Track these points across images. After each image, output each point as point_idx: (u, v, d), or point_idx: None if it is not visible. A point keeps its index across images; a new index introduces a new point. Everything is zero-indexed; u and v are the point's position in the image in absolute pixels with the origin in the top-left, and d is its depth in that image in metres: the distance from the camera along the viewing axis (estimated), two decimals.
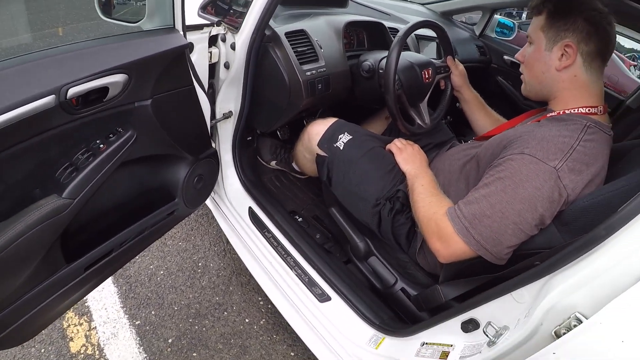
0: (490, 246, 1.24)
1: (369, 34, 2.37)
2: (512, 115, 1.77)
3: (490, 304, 1.19)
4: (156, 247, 2.46)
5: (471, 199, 1.30)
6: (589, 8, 1.37)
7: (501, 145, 1.38)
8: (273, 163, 2.30)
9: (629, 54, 9.81)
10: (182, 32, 1.45)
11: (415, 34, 2.53)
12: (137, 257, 2.35)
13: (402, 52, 1.90)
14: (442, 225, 1.32)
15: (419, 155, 1.77)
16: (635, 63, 9.65)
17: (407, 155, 1.76)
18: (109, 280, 2.22)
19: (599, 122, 1.35)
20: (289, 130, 2.35)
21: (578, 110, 1.39)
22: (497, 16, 3.63)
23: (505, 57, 3.42)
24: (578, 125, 1.31)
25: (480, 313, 1.23)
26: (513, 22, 3.63)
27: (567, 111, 1.40)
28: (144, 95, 1.37)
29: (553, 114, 1.44)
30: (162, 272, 2.32)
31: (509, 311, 1.15)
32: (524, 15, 8.22)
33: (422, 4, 3.67)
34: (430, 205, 1.44)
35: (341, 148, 1.79)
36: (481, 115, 2.08)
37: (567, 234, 1.19)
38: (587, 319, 0.91)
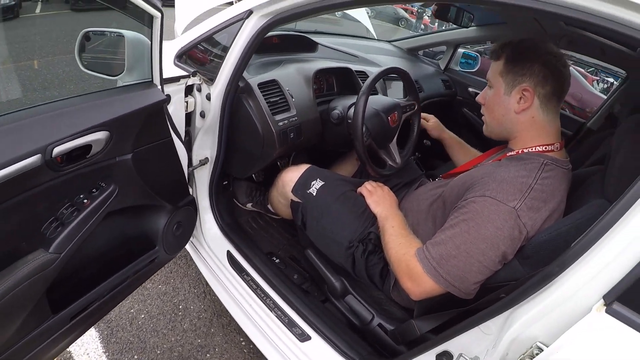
0: (458, 283, 1.32)
1: (338, 79, 2.48)
2: (478, 144, 1.88)
3: (461, 337, 1.27)
4: (137, 291, 2.43)
5: (438, 240, 1.39)
6: (545, 52, 1.46)
7: (465, 187, 1.47)
8: (249, 205, 2.37)
9: (590, 69, 10.08)
10: (159, 86, 1.52)
11: None
12: None
13: (370, 98, 2.01)
14: (412, 265, 1.40)
15: (388, 197, 1.85)
16: (598, 78, 9.92)
17: (377, 197, 1.83)
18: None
19: (556, 159, 1.44)
20: (264, 173, 2.42)
21: (535, 149, 1.48)
22: (460, 50, 3.81)
23: (470, 89, 3.59)
24: (535, 164, 1.40)
25: (452, 345, 1.30)
26: (476, 54, 3.81)
27: (525, 150, 1.49)
28: (125, 150, 1.44)
29: (512, 153, 1.52)
30: (143, 316, 2.34)
31: (478, 342, 1.24)
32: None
33: (390, 42, 3.84)
34: (400, 247, 1.51)
35: (314, 194, 1.87)
36: (461, 154, 2.21)
37: (529, 267, 1.28)
38: (547, 347, 1.01)
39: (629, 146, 1.38)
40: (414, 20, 19.33)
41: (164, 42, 2.00)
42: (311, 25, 3.59)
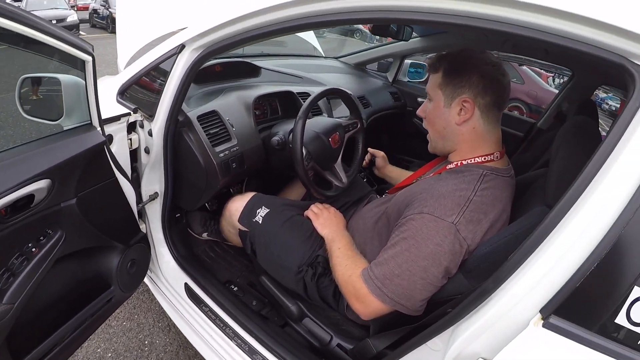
0: (404, 301, 1.34)
1: (281, 102, 2.54)
2: (430, 155, 1.85)
3: (412, 354, 1.31)
4: (102, 329, 2.49)
5: (381, 259, 1.40)
6: (483, 63, 1.46)
7: (405, 204, 1.49)
8: (205, 235, 2.40)
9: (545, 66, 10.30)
10: (99, 128, 1.55)
11: None
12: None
13: (311, 120, 2.06)
14: (358, 287, 1.42)
15: (335, 218, 1.86)
16: (553, 74, 10.13)
17: (323, 220, 1.85)
18: None
19: (496, 168, 1.46)
20: (217, 202, 2.45)
21: (474, 160, 1.50)
22: (407, 61, 3.90)
23: (419, 99, 3.70)
24: (474, 176, 1.42)
25: None
26: (424, 63, 3.94)
27: (464, 162, 1.51)
28: (69, 195, 1.46)
29: (452, 165, 1.54)
30: (109, 355, 2.35)
31: (428, 359, 1.28)
32: None
33: (337, 59, 3.91)
34: (347, 268, 1.53)
35: (260, 222, 1.90)
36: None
37: (473, 280, 1.30)
38: None
39: (565, 150, 1.43)
40: (367, 31, 19.56)
41: (108, 78, 2.05)
42: (258, 48, 3.62)
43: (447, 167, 1.56)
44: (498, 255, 1.21)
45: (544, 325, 0.96)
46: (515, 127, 3.33)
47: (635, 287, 0.90)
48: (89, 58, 1.40)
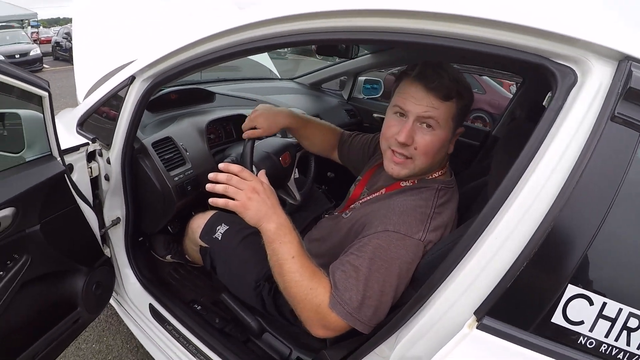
0: (374, 321, 1.32)
1: (235, 125, 2.68)
2: None
3: None
4: (71, 352, 2.57)
5: (348, 284, 1.31)
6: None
7: (361, 223, 1.48)
8: (168, 257, 2.49)
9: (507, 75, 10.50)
10: (59, 158, 1.65)
11: None
12: None
13: (262, 141, 2.20)
14: (328, 318, 1.32)
15: (268, 200, 1.46)
16: (513, 82, 10.31)
17: (257, 206, 1.42)
18: None
19: (447, 181, 1.53)
20: (180, 223, 2.54)
21: (431, 176, 1.54)
22: (361, 78, 4.02)
23: (375, 115, 3.80)
24: (431, 191, 1.46)
25: None
26: (378, 79, 4.06)
27: (419, 178, 1.54)
28: (33, 222, 1.57)
29: (406, 183, 1.55)
30: None
31: None
32: None
33: (292, 80, 4.06)
34: (313, 296, 1.34)
35: (219, 239, 1.96)
36: (310, 135, 2.18)
37: (420, 288, 1.23)
38: None
39: (502, 156, 1.54)
40: None
41: (69, 111, 2.14)
42: (214, 74, 3.77)
43: (402, 185, 1.56)
44: (440, 263, 1.17)
45: (478, 327, 0.99)
46: (472, 137, 3.40)
47: (570, 285, 0.93)
48: (45, 94, 1.51)
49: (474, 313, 1.02)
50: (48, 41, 22.37)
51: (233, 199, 1.41)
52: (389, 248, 1.32)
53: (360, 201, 1.70)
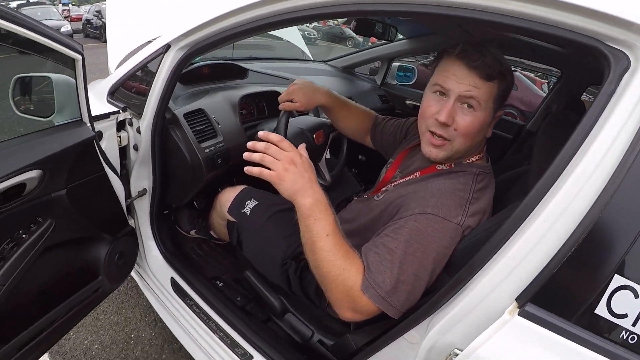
0: (405, 307, 1.26)
1: (268, 102, 2.64)
2: None
3: (390, 347, 1.31)
4: (89, 322, 2.58)
5: (381, 267, 1.24)
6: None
7: (396, 205, 1.42)
8: (192, 232, 2.48)
9: (539, 74, 10.35)
10: (89, 124, 1.64)
11: None
12: (71, 332, 2.47)
13: (296, 118, 2.16)
14: (359, 301, 1.25)
15: (306, 173, 1.35)
16: (547, 80, 10.13)
17: (292, 178, 1.33)
18: (46, 357, 2.33)
19: (484, 166, 1.47)
20: (205, 200, 2.53)
21: (469, 160, 1.47)
22: (395, 63, 3.94)
23: (407, 101, 3.74)
24: (469, 176, 1.40)
25: (382, 357, 1.35)
26: (412, 66, 3.95)
27: (456, 162, 1.48)
28: (59, 186, 1.55)
29: (443, 166, 1.49)
30: (96, 346, 2.43)
31: (406, 352, 1.27)
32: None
33: (325, 62, 3.99)
34: (346, 277, 1.27)
35: (248, 213, 1.92)
36: (344, 117, 2.13)
37: (455, 274, 1.18)
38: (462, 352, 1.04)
39: (545, 143, 1.47)
40: (360, 39, 19.58)
41: (100, 80, 2.13)
42: (247, 52, 3.73)
43: (438, 168, 1.50)
44: (479, 247, 1.11)
45: (520, 314, 0.95)
46: (505, 130, 3.35)
47: (616, 275, 0.88)
48: (79, 57, 1.48)
49: (516, 299, 0.97)
50: (78, 19, 22.68)
51: (269, 169, 1.33)
52: (426, 231, 1.26)
53: (393, 184, 1.63)
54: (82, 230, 1.73)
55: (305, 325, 1.84)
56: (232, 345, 1.83)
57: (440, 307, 1.14)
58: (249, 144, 1.39)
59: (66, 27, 16.12)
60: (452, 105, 1.36)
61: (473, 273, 1.06)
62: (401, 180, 1.60)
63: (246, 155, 1.37)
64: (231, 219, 2.00)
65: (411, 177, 1.57)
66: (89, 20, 20.77)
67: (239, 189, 2.07)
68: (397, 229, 1.30)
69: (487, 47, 1.36)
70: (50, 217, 1.55)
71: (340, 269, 1.28)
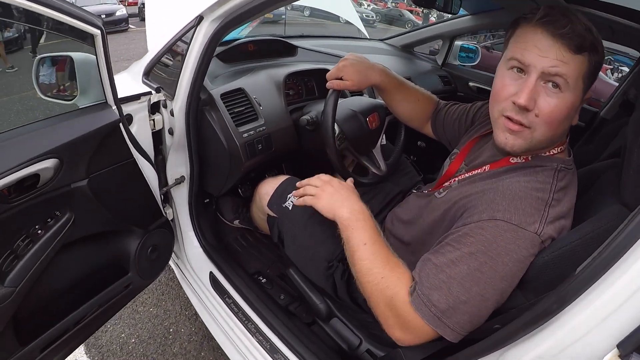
0: (466, 331, 1.08)
1: (318, 81, 2.40)
2: None
3: None
4: (127, 314, 2.50)
5: (437, 282, 1.09)
6: None
7: (460, 207, 1.22)
8: (236, 222, 2.31)
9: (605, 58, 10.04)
10: (114, 107, 1.49)
11: None
12: (109, 325, 2.40)
13: (347, 99, 1.93)
14: (407, 317, 1.11)
15: (344, 191, 1.44)
16: (612, 66, 9.78)
17: (328, 197, 1.42)
18: (82, 350, 2.26)
19: (565, 160, 1.21)
20: (251, 187, 2.31)
21: (548, 152, 1.22)
22: (458, 42, 3.69)
23: (471, 83, 3.49)
24: (548, 172, 1.17)
25: None
26: (476, 45, 3.69)
27: (532, 154, 1.23)
28: (79, 176, 1.41)
29: (517, 159, 1.24)
30: (133, 340, 2.35)
31: None
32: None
33: (382, 40, 3.77)
34: (385, 286, 1.18)
35: (290, 208, 1.71)
36: (400, 100, 1.85)
37: (529, 293, 1.08)
38: None
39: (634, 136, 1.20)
40: (419, 22, 19.19)
41: (139, 61, 2.00)
42: (298, 29, 3.55)
43: (512, 161, 1.25)
44: (564, 265, 0.99)
45: None
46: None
47: None
48: (97, 31, 1.33)
49: (617, 346, 0.75)
50: (135, 3, 22.97)
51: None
52: (496, 241, 1.05)
53: (457, 178, 1.39)
54: (107, 223, 1.60)
55: (352, 332, 1.65)
56: (272, 351, 1.68)
57: (518, 339, 0.93)
58: (297, 184, 1.56)
59: (121, 10, 16.28)
60: (534, 84, 1.08)
61: (564, 305, 0.83)
62: (467, 175, 1.37)
63: (295, 193, 1.57)
64: (271, 213, 1.80)
65: (479, 171, 1.33)
66: (145, 3, 21.07)
67: (280, 179, 1.85)
68: (461, 238, 1.11)
69: (575, 12, 1.08)
70: (69, 210, 1.43)
71: (378, 277, 1.20)
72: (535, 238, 1.05)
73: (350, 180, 1.54)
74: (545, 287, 0.98)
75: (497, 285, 1.05)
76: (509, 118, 1.15)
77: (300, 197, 1.50)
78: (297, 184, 1.55)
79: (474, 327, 1.08)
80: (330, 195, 1.42)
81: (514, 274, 1.05)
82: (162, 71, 1.85)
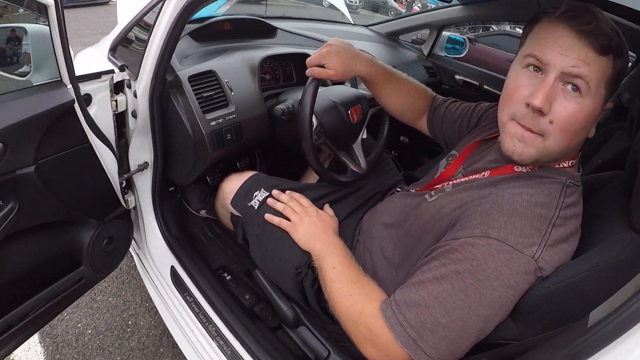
0: (444, 357, 0.98)
1: (297, 66, 2.28)
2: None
3: None
4: (85, 303, 2.42)
5: (417, 299, 1.00)
6: None
7: (452, 217, 1.12)
8: (203, 212, 2.19)
9: None
10: (69, 85, 1.37)
11: None
12: (65, 314, 2.32)
13: (328, 88, 1.81)
14: (376, 332, 1.04)
15: (320, 223, 1.46)
16: None
17: (305, 229, 1.45)
18: (36, 339, 2.18)
19: (574, 175, 1.10)
20: (220, 175, 2.15)
21: (559, 165, 1.11)
22: (445, 33, 3.61)
23: (457, 76, 3.39)
24: (556, 186, 1.05)
25: None
26: (464, 38, 3.62)
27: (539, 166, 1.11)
28: (26, 162, 1.31)
29: (522, 169, 1.12)
30: (90, 332, 2.27)
31: None
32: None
33: (367, 26, 3.66)
34: (353, 303, 1.15)
35: (255, 207, 1.59)
36: (388, 92, 1.67)
37: (525, 327, 0.99)
38: None
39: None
40: (403, 11, 19.05)
41: (106, 36, 1.91)
42: (279, 10, 3.42)
43: (516, 169, 1.13)
44: (568, 299, 0.90)
45: None
46: None
47: None
48: (51, 2, 1.21)
49: None
50: None
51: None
52: (487, 262, 0.94)
53: (452, 182, 1.28)
54: (56, 213, 1.49)
55: (320, 343, 1.56)
56: (232, 357, 1.57)
57: None
58: (274, 193, 1.58)
59: None
60: (552, 85, 0.97)
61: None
62: (463, 179, 1.25)
63: (270, 201, 1.56)
64: (235, 212, 1.68)
65: (477, 177, 1.21)
66: None
67: (246, 175, 1.72)
68: (448, 253, 1.01)
69: (600, 11, 0.97)
70: (13, 199, 1.32)
71: (347, 295, 1.18)
72: (531, 262, 0.94)
73: (329, 210, 1.58)
74: (543, 322, 0.91)
75: (481, 312, 0.94)
76: (520, 123, 1.03)
77: (276, 210, 1.54)
78: (274, 193, 1.58)
79: (450, 354, 0.98)
80: (307, 228, 1.45)
81: (503, 302, 0.95)
82: (128, 47, 1.72)
